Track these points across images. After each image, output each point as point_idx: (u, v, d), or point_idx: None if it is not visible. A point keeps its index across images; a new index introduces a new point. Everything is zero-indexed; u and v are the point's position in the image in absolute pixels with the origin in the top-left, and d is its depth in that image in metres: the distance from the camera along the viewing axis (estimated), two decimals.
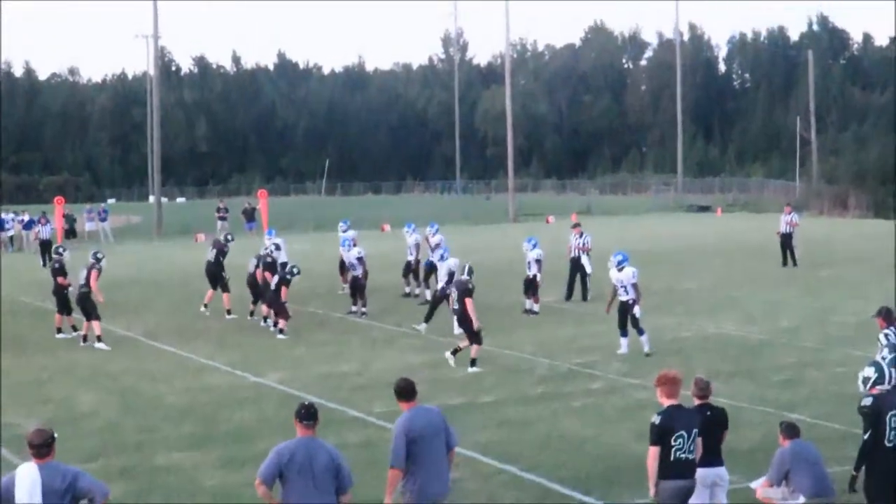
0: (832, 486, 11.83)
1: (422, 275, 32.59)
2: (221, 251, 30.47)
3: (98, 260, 26.01)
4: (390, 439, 10.89)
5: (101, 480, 10.20)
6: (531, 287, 29.00)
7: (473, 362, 21.50)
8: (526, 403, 18.71)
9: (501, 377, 20.95)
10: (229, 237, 32.47)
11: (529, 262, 28.82)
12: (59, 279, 26.80)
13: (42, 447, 9.64)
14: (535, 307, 29.10)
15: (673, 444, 10.82)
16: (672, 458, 10.86)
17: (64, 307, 26.76)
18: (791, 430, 12.02)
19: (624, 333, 22.91)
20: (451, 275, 26.54)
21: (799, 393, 19.01)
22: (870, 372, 11.61)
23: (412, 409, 11.03)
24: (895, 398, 11.33)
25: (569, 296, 31.82)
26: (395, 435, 10.81)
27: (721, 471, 11.68)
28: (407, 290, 33.30)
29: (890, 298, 27.69)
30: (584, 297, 31.74)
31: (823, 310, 28.99)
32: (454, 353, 21.63)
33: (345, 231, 34.63)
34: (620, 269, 22.70)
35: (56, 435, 9.86)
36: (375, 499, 13.60)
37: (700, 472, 11.29)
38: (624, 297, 22.66)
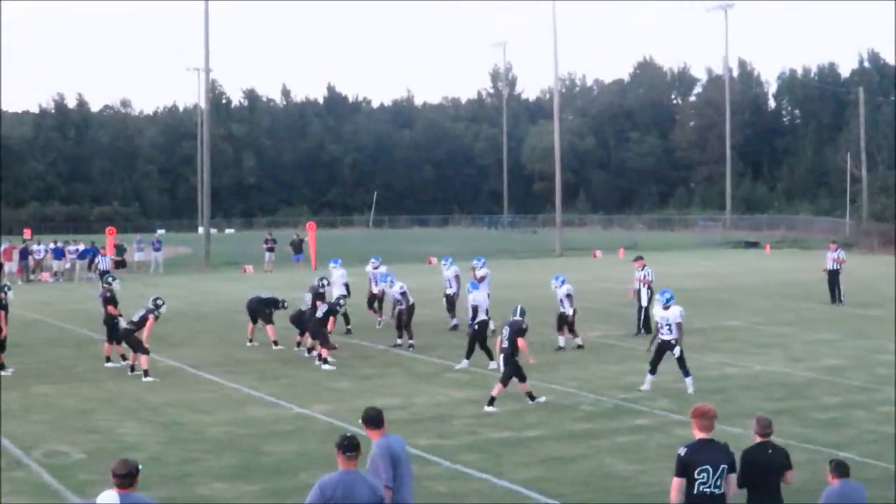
0: None
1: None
2: (318, 294, 29.26)
3: (157, 307, 25.95)
4: (431, 475, 10.86)
5: None
6: (565, 323, 28.99)
7: (531, 396, 21.52)
8: (570, 439, 18.63)
9: (546, 413, 20.88)
10: (340, 301, 29.43)
11: (561, 300, 28.87)
12: (110, 308, 27.03)
13: (125, 477, 9.79)
14: (578, 341, 29.15)
15: (696, 477, 10.77)
16: (696, 491, 10.81)
17: (113, 336, 26.92)
18: (841, 470, 11.86)
19: (652, 371, 22.78)
20: (474, 309, 26.58)
21: (845, 433, 18.84)
22: None
23: (386, 436, 11.24)
24: None
25: (638, 330, 32.02)
26: (380, 456, 10.94)
27: None
28: (453, 322, 33.34)
29: None
30: (638, 331, 31.76)
31: (870, 349, 28.74)
32: (491, 403, 21.40)
33: (376, 267, 34.76)
34: (666, 308, 22.58)
35: (140, 467, 9.96)
36: None
37: None
38: (667, 337, 22.51)
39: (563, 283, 29.21)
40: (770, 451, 11.57)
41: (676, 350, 22.48)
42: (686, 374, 22.57)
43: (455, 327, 32.84)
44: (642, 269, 32.91)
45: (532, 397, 21.52)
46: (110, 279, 28.98)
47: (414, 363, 27.34)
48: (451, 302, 33.38)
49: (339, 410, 21.31)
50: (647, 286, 32.50)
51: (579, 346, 28.94)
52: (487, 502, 15.08)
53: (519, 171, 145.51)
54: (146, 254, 64.48)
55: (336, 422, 20.11)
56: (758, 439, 11.68)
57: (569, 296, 28.81)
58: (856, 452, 16.90)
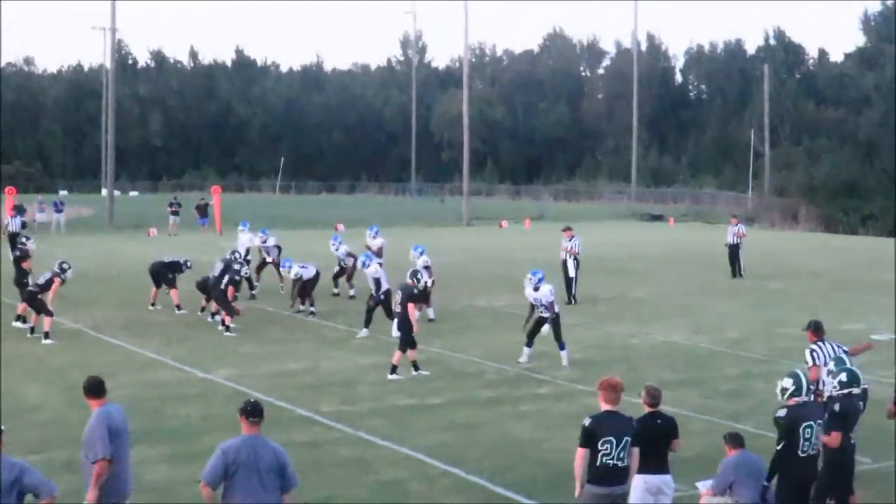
0: (773, 500, 11.97)
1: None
2: (228, 267, 27.58)
3: (63, 271, 25.82)
4: (335, 440, 10.86)
5: (50, 479, 10.07)
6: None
7: (415, 365, 21.45)
8: (474, 407, 18.74)
9: (450, 380, 20.98)
10: (240, 269, 28.11)
11: (416, 271, 25.02)
12: (24, 263, 26.92)
13: None
14: (430, 313, 28.55)
15: (600, 448, 10.92)
16: (599, 462, 10.96)
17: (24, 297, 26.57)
18: (736, 441, 12.12)
19: (529, 343, 22.79)
20: (376, 281, 26.20)
21: (744, 404, 19.14)
22: (787, 383, 11.92)
23: (106, 405, 11.10)
24: (810, 410, 11.67)
25: (569, 300, 32.10)
26: (98, 426, 10.84)
27: (667, 478, 11.77)
28: (335, 290, 32.97)
29: (835, 312, 28.01)
30: (569, 300, 31.93)
31: (771, 322, 29.19)
32: (393, 371, 21.32)
33: (264, 241, 34.10)
34: (537, 289, 22.58)
35: (3, 428, 9.80)
36: (320, 499, 13.63)
37: (646, 479, 11.40)
38: (544, 314, 22.53)
39: (421, 253, 28.82)
40: (659, 420, 11.80)
41: (545, 328, 22.47)
42: (561, 346, 22.63)
43: (352, 297, 32.30)
44: (570, 240, 33.06)
45: (416, 367, 21.45)
46: (24, 239, 28.88)
47: (320, 329, 27.31)
48: (346, 274, 32.55)
49: (244, 375, 21.27)
50: (573, 257, 32.72)
51: (430, 320, 28.26)
52: (391, 467, 15.13)
53: (428, 138, 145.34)
54: (47, 214, 63.60)
55: (240, 387, 20.07)
56: (647, 409, 11.89)
57: (427, 267, 27.85)
58: (752, 424, 17.17)
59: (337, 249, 32.10)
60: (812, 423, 11.61)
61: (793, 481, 11.58)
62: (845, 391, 12.27)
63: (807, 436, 11.54)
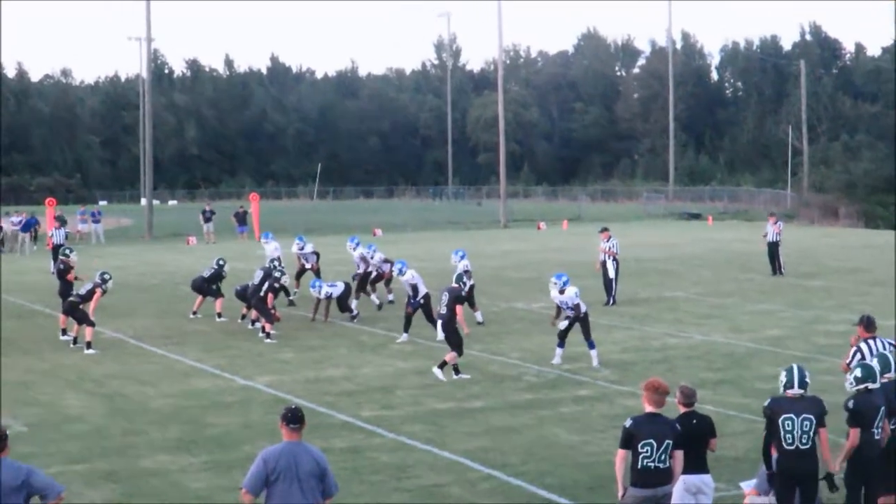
0: (820, 498, 11.91)
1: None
2: (269, 276, 27.73)
3: (105, 281, 25.94)
4: (375, 445, 10.86)
5: (61, 483, 10.11)
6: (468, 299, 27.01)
7: (456, 369, 21.48)
8: (513, 410, 18.72)
9: (489, 384, 20.96)
10: (279, 277, 27.87)
11: (460, 275, 25.05)
12: (69, 276, 27.19)
13: None
14: (479, 316, 28.69)
15: (640, 450, 10.91)
16: (640, 465, 10.96)
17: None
18: None
19: (560, 344, 22.81)
20: (413, 287, 26.26)
21: None
22: (781, 375, 12.07)
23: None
24: (794, 405, 11.69)
25: (608, 300, 32.30)
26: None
27: (706, 478, 11.73)
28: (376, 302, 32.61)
29: (876, 309, 27.78)
30: (608, 301, 31.96)
31: (811, 320, 29.04)
32: (441, 366, 21.47)
33: (301, 248, 33.74)
34: (562, 291, 22.57)
35: (8, 433, 9.88)
36: None
37: (685, 479, 11.37)
38: (570, 314, 22.56)
39: (462, 257, 28.61)
40: (695, 420, 11.77)
41: (563, 324, 22.55)
42: (591, 345, 22.62)
43: (379, 306, 32.14)
44: (608, 241, 33.06)
45: (457, 371, 21.47)
46: (68, 251, 29.13)
47: (358, 334, 27.35)
48: (362, 282, 31.92)
49: (284, 382, 21.32)
50: (612, 258, 32.71)
51: (479, 323, 28.32)
52: (431, 472, 15.14)
53: (464, 142, 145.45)
54: (89, 225, 64.00)
55: (280, 393, 20.12)
56: (682, 409, 11.86)
57: (466, 271, 27.61)
58: None
59: (372, 257, 32.00)
60: (792, 416, 11.54)
61: (780, 474, 11.62)
62: (861, 387, 12.20)
63: (787, 428, 11.50)
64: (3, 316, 31.15)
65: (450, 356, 21.37)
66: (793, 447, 11.49)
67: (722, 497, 13.34)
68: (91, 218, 63.76)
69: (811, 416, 11.52)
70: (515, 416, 18.30)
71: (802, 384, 11.75)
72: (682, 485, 11.40)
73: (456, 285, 22.52)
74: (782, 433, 11.54)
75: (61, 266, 27.95)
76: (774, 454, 11.72)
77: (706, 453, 11.82)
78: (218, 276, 30.28)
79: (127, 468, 15.37)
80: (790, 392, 11.77)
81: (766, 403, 11.92)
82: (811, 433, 11.49)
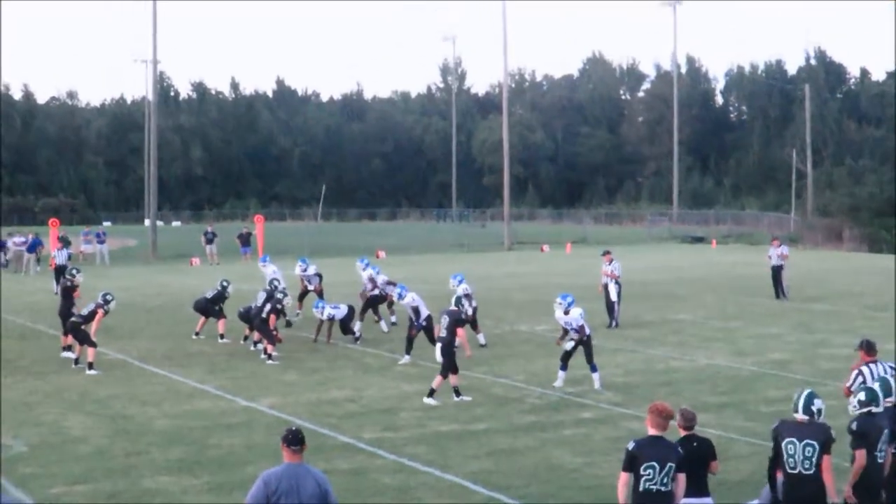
0: None
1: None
2: (271, 297, 27.68)
3: (107, 302, 25.95)
4: (377, 467, 10.83)
5: None
6: (466, 322, 26.37)
7: (457, 391, 21.43)
8: (516, 432, 18.68)
9: (492, 406, 20.92)
10: (281, 298, 27.84)
11: (459, 298, 25.94)
12: (76, 293, 27.22)
13: None
14: (482, 339, 28.66)
15: (643, 473, 10.89)
16: (641, 487, 10.93)
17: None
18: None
19: (563, 367, 22.73)
20: (415, 310, 26.31)
21: None
22: (794, 397, 11.86)
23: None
24: (797, 428, 11.70)
25: (610, 323, 32.31)
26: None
27: (707, 501, 11.73)
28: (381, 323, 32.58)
29: (880, 332, 27.76)
30: (610, 324, 31.98)
31: (815, 343, 29.00)
32: (430, 395, 21.34)
33: (304, 270, 33.83)
34: (567, 312, 22.57)
35: (11, 454, 9.81)
36: None
37: (686, 502, 11.33)
38: (575, 337, 22.54)
39: (460, 282, 28.31)
40: (695, 443, 11.77)
41: (569, 344, 22.53)
42: (593, 369, 22.57)
43: (394, 324, 32.21)
44: (610, 264, 33.12)
45: (457, 393, 21.44)
46: (74, 271, 29.13)
47: (362, 356, 27.32)
48: (368, 304, 31.78)
49: (287, 403, 21.28)
50: (615, 280, 32.74)
51: (482, 345, 28.32)
52: (433, 495, 15.10)
53: (468, 164, 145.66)
54: (92, 246, 64.10)
55: (283, 415, 20.09)
56: (682, 432, 11.85)
57: (467, 295, 27.71)
58: None
59: (364, 270, 32.05)
60: (794, 440, 11.53)
61: (784, 499, 11.61)
62: (864, 410, 12.19)
63: (790, 452, 11.51)
64: (6, 336, 31.16)
65: (436, 381, 21.28)
66: (795, 472, 11.47)
67: None
68: (96, 238, 63.85)
69: (814, 443, 11.48)
70: (518, 438, 18.26)
71: (807, 410, 11.72)
72: None
73: (455, 308, 22.47)
74: (785, 457, 11.55)
75: (68, 284, 27.98)
76: (780, 478, 11.70)
77: (707, 476, 11.80)
78: (221, 297, 30.27)
79: (129, 489, 15.33)
80: (795, 416, 11.76)
81: (773, 425, 11.93)
82: (814, 459, 11.45)
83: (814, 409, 11.74)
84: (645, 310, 36.23)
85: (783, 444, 11.58)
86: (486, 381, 23.36)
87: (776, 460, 11.71)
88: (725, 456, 16.31)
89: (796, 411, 11.75)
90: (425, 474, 16.08)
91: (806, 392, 11.94)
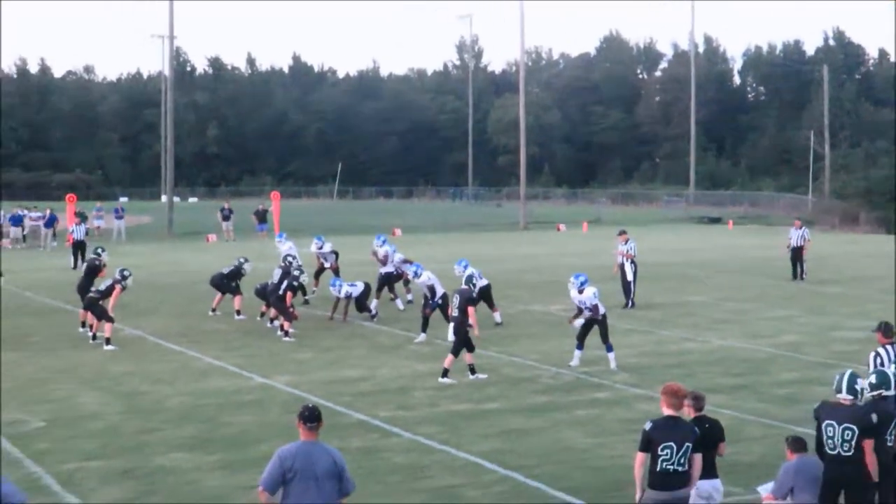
0: None
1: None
2: (287, 273, 27.84)
3: (124, 278, 26.08)
4: (391, 446, 10.85)
5: (23, 491, 9.74)
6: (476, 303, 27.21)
7: (472, 369, 21.48)
8: (530, 412, 18.71)
9: (506, 386, 20.95)
10: (298, 275, 28.08)
11: (470, 277, 24.51)
12: (100, 273, 27.43)
13: None
14: (497, 317, 28.82)
15: (660, 453, 10.92)
16: (658, 467, 10.96)
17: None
18: (798, 445, 12.00)
19: (579, 346, 22.82)
20: (430, 289, 26.49)
21: (803, 408, 18.91)
22: (835, 379, 11.86)
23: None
24: (837, 411, 11.69)
25: (626, 303, 32.41)
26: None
27: (717, 483, 11.76)
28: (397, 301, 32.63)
29: (894, 315, 27.67)
30: (627, 304, 32.00)
31: (828, 326, 28.97)
32: (444, 375, 21.43)
33: (320, 248, 34.30)
34: (581, 292, 22.58)
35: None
36: None
37: (698, 485, 11.36)
38: (588, 315, 22.58)
39: (465, 267, 27.16)
40: (707, 425, 11.76)
41: (578, 322, 22.70)
42: (609, 348, 22.59)
43: (409, 302, 32.25)
44: (626, 244, 33.07)
45: (473, 371, 21.50)
46: (100, 250, 29.27)
47: (377, 334, 27.37)
48: (384, 281, 31.82)
49: (301, 381, 21.34)
50: (630, 260, 32.71)
51: (497, 324, 28.45)
52: (446, 473, 15.14)
53: (484, 143, 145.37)
54: (106, 221, 64.27)
55: (298, 392, 20.15)
56: (693, 414, 11.85)
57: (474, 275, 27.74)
58: (812, 427, 16.97)
59: (380, 247, 32.07)
60: (834, 423, 11.56)
61: (824, 479, 11.65)
62: (875, 393, 12.19)
63: (829, 434, 11.61)
64: (22, 312, 31.31)
65: (447, 360, 21.34)
66: (834, 452, 11.56)
67: (738, 502, 13.32)
68: (114, 214, 63.98)
69: (853, 427, 11.51)
70: (531, 418, 18.29)
71: (851, 390, 11.77)
72: (693, 490, 11.40)
73: (466, 287, 22.54)
74: (824, 438, 11.64)
75: (96, 263, 28.16)
76: None
77: (715, 458, 11.82)
78: (237, 273, 30.31)
79: (142, 466, 15.40)
80: (838, 397, 11.76)
81: (815, 406, 12.07)
82: (853, 442, 11.50)
83: (857, 388, 11.78)
84: (659, 291, 36.20)
85: (823, 426, 11.67)
86: (499, 361, 23.40)
87: (817, 443, 11.79)
88: (738, 438, 16.33)
89: (840, 392, 11.76)
90: (439, 453, 16.12)
91: (848, 373, 11.95)
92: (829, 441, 11.57)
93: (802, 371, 22.58)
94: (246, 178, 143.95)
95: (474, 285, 23.21)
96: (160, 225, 72.03)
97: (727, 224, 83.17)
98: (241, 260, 30.60)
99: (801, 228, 40.66)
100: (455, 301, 21.73)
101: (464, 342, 21.30)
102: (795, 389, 20.69)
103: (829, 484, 11.59)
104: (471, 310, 21.54)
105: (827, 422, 11.64)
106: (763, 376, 22.06)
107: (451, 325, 21.94)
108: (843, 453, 11.49)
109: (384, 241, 32.34)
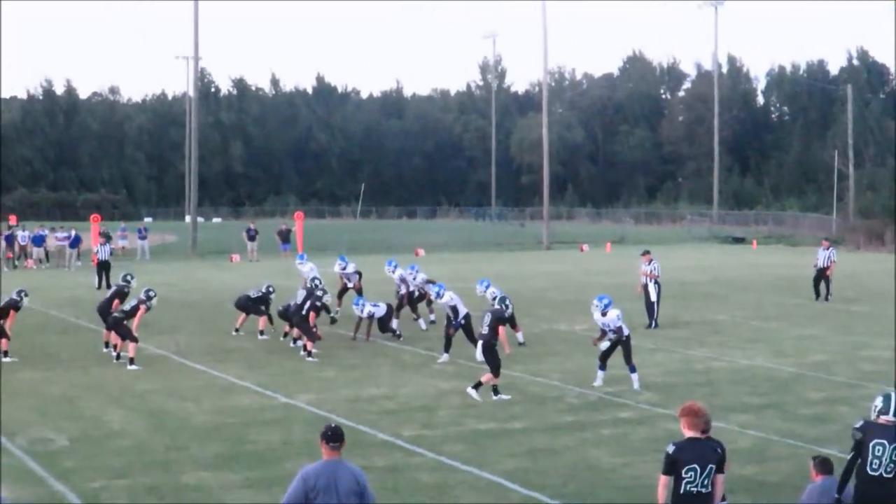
0: None
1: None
2: (311, 295, 27.88)
3: (149, 298, 26.14)
4: (415, 465, 10.84)
5: None
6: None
7: (496, 390, 21.44)
8: (554, 431, 18.66)
9: (530, 405, 20.91)
10: (321, 296, 27.96)
11: (503, 298, 24.59)
12: (116, 301, 27.27)
13: None
14: (520, 337, 28.65)
15: (684, 476, 10.77)
16: (682, 490, 10.80)
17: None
18: (824, 467, 11.89)
19: (602, 367, 22.75)
20: (453, 309, 26.50)
21: (829, 428, 18.88)
22: (877, 401, 11.72)
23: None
24: (885, 431, 11.41)
25: (650, 323, 32.28)
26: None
27: None
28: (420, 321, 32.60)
29: None
30: (650, 324, 31.92)
31: (855, 345, 28.83)
32: (476, 387, 21.46)
33: (344, 269, 34.51)
34: (604, 314, 22.51)
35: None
36: None
37: None
38: (612, 338, 22.50)
39: (487, 287, 27.63)
40: (718, 449, 11.64)
41: (604, 345, 22.55)
42: (632, 369, 22.49)
43: (432, 322, 32.21)
44: (649, 264, 32.95)
45: (496, 392, 21.44)
46: (129, 277, 29.10)
47: (400, 353, 27.36)
48: (406, 302, 31.92)
49: (325, 400, 21.33)
50: (654, 281, 32.60)
51: (520, 344, 28.23)
52: (471, 493, 15.10)
53: (507, 163, 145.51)
54: (130, 241, 64.50)
55: (321, 412, 20.14)
56: (701, 436, 11.73)
57: (494, 298, 27.71)
58: (839, 448, 16.92)
59: (414, 278, 32.05)
60: (885, 442, 11.33)
61: (860, 498, 11.40)
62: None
63: (877, 453, 11.31)
64: (48, 331, 31.43)
65: (486, 377, 21.35)
66: (877, 474, 11.24)
67: None
68: (137, 234, 64.22)
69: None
70: (556, 437, 18.24)
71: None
72: None
73: (498, 307, 22.50)
74: (870, 458, 11.29)
75: (125, 290, 28.15)
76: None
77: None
78: (265, 300, 30.32)
79: (169, 483, 15.41)
80: (884, 419, 11.54)
81: (857, 425, 11.64)
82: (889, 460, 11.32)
83: None
84: (684, 310, 36.11)
85: (871, 445, 11.31)
86: (523, 380, 23.35)
87: (855, 460, 11.45)
88: (764, 457, 16.26)
89: (886, 413, 11.54)
90: (463, 472, 16.08)
91: (894, 394, 11.76)
92: (875, 461, 11.30)
93: (829, 391, 22.47)
94: (270, 198, 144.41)
95: (507, 305, 23.19)
96: (184, 244, 72.26)
97: (751, 243, 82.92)
98: (270, 289, 30.49)
99: (828, 249, 40.52)
100: (485, 319, 21.71)
101: (491, 360, 21.26)
102: (822, 409, 20.59)
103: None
104: (500, 329, 21.53)
105: (877, 441, 11.31)
106: (789, 395, 21.96)
107: (480, 343, 21.89)
108: (885, 475, 11.30)
109: (395, 266, 32.38)
